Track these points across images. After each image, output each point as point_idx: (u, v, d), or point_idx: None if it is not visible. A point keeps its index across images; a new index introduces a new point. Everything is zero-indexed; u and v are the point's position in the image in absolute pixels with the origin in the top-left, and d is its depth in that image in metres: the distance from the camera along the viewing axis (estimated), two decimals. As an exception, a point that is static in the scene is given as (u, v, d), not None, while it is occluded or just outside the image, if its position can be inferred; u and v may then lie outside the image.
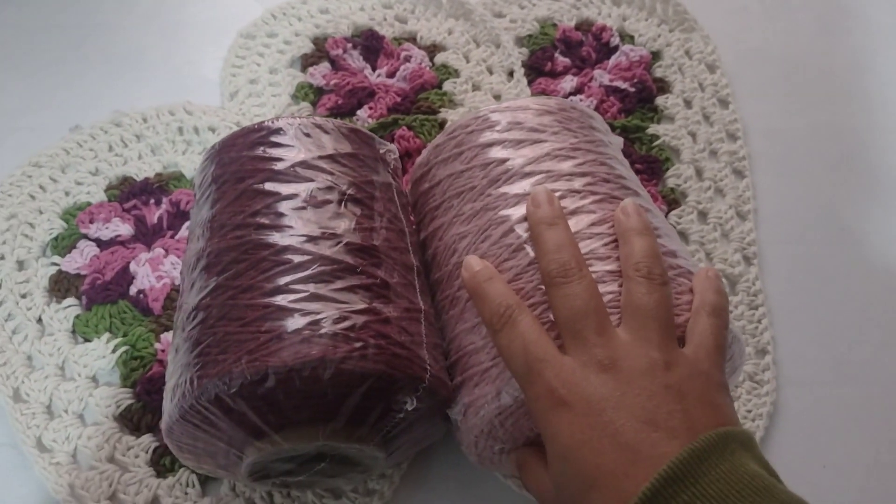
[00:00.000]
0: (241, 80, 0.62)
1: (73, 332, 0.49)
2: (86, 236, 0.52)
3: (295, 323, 0.35)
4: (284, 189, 0.39)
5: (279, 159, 0.40)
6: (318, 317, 0.35)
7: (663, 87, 0.65)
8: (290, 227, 0.38)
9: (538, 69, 0.65)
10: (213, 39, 0.65)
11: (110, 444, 0.45)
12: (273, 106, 0.61)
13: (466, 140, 0.43)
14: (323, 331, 0.35)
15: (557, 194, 0.39)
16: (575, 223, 0.38)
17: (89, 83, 0.62)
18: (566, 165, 0.41)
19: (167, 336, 0.48)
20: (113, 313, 0.49)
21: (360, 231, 0.39)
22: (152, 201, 0.54)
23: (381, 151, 0.45)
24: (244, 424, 0.35)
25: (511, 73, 0.64)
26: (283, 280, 0.36)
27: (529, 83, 0.64)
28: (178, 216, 0.54)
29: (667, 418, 0.30)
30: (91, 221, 0.53)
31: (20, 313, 0.49)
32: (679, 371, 0.32)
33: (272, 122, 0.42)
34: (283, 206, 0.39)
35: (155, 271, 0.51)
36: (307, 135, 0.42)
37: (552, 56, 0.66)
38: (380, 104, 0.61)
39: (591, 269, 0.36)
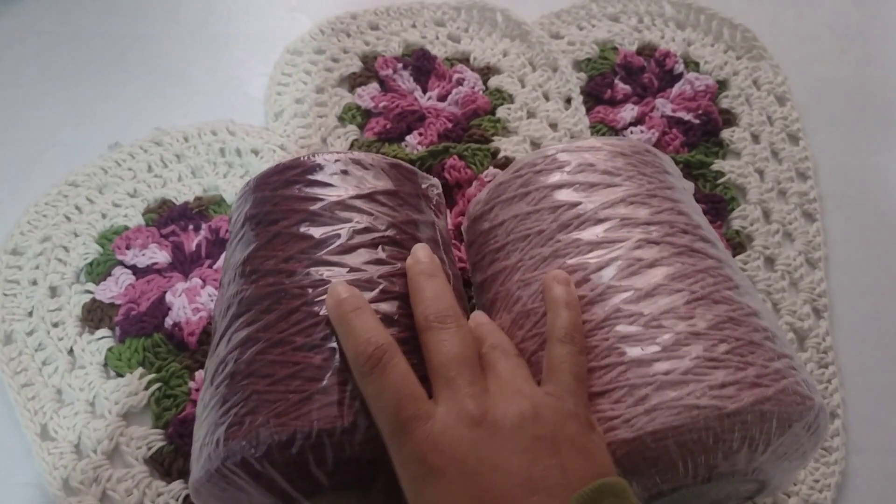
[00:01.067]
0: (287, 99, 0.60)
1: (105, 365, 0.47)
2: (122, 263, 0.50)
3: (326, 383, 0.32)
4: (319, 232, 0.36)
5: (316, 199, 0.38)
6: (351, 376, 0.32)
7: (729, 119, 0.61)
8: (325, 274, 0.35)
9: (597, 96, 0.62)
10: (259, 55, 0.63)
11: (140, 489, 0.42)
12: (319, 127, 0.58)
13: (533, 180, 0.40)
14: (356, 392, 0.32)
15: (631, 244, 0.36)
16: (652, 276, 0.35)
17: (131, 96, 0.60)
18: (643, 213, 0.38)
19: (202, 374, 0.46)
20: (147, 347, 0.47)
21: (399, 276, 0.36)
22: (191, 227, 0.52)
23: (424, 187, 0.42)
24: (273, 490, 0.32)
25: (569, 101, 0.61)
26: (315, 334, 0.33)
27: (588, 111, 0.61)
28: (217, 244, 0.51)
29: (543, 476, 0.29)
30: (128, 247, 0.50)
31: (51, 343, 0.47)
32: (547, 418, 0.30)
33: (309, 158, 0.39)
34: (318, 252, 0.36)
35: (192, 303, 0.48)
36: (345, 172, 0.39)
37: (612, 82, 0.63)
38: (430, 130, 0.58)
39: (672, 328, 0.33)
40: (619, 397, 0.32)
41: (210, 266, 0.50)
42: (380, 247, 0.37)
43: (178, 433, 0.44)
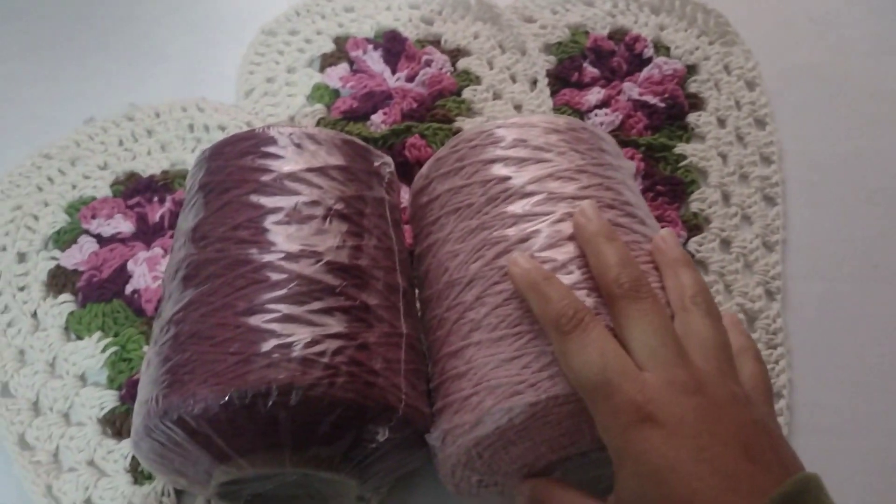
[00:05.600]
0: (258, 77, 0.61)
1: (67, 328, 0.49)
2: (87, 231, 0.52)
3: (265, 345, 0.33)
4: (269, 202, 0.38)
5: (267, 170, 0.39)
6: (289, 340, 0.33)
7: (696, 103, 0.62)
8: (272, 242, 0.36)
9: (564, 79, 0.63)
10: (234, 35, 0.64)
11: (91, 446, 0.44)
12: (287, 106, 0.59)
13: (469, 154, 0.41)
14: (293, 355, 0.33)
15: (555, 217, 0.37)
16: (571, 249, 0.36)
17: (108, 74, 0.62)
18: (570, 188, 0.38)
19: (158, 339, 0.48)
20: (106, 312, 0.49)
21: (345, 249, 0.37)
22: (156, 199, 0.53)
23: (376, 164, 0.43)
24: (208, 447, 0.34)
25: (534, 83, 0.62)
26: (257, 299, 0.35)
27: (553, 94, 0.61)
28: (181, 216, 0.53)
29: (760, 452, 0.29)
30: (93, 217, 0.52)
31: (16, 306, 0.49)
32: (758, 409, 0.31)
33: (263, 131, 0.40)
34: (267, 221, 0.37)
35: (151, 271, 0.50)
36: (298, 145, 0.40)
37: (581, 66, 0.63)
38: (395, 110, 0.59)
39: (582, 298, 0.34)
40: (526, 363, 0.33)
41: (171, 237, 0.52)
42: (327, 220, 0.38)
43: (131, 395, 0.46)
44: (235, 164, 0.40)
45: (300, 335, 0.34)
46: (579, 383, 0.31)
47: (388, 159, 0.44)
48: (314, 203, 0.38)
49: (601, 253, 0.34)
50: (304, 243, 0.36)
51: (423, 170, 0.43)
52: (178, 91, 0.60)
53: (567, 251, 0.36)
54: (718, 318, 0.33)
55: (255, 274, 0.35)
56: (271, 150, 0.40)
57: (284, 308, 0.34)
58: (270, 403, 0.32)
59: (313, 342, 0.34)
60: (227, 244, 0.37)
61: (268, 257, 0.36)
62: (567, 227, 0.37)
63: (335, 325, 0.35)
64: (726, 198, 0.57)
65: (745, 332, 0.36)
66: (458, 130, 0.58)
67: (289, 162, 0.39)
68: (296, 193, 0.38)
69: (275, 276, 0.35)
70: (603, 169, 0.40)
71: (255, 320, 0.34)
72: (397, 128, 0.57)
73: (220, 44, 0.64)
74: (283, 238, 0.37)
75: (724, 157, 0.59)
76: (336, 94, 0.61)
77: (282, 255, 0.36)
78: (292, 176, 0.39)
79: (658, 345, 0.31)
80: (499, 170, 0.40)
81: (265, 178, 0.39)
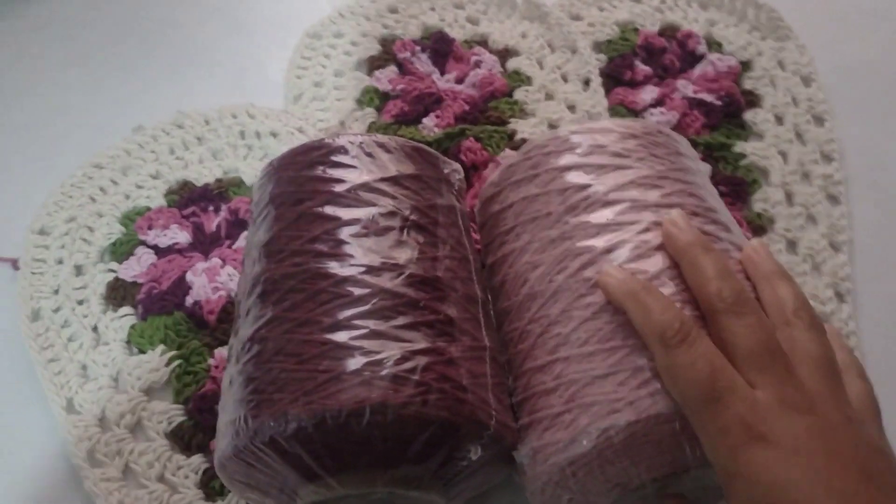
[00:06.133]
0: (306, 82, 0.60)
1: (128, 342, 0.48)
2: (144, 243, 0.51)
3: (355, 363, 0.32)
4: (345, 214, 0.37)
5: (340, 181, 0.38)
6: (379, 356, 0.33)
7: (753, 100, 0.60)
8: (351, 255, 0.36)
9: (616, 78, 0.61)
10: (279, 39, 0.63)
11: (161, 462, 0.44)
12: (337, 111, 0.59)
13: (543, 162, 0.40)
14: (384, 372, 0.32)
15: (641, 227, 0.36)
16: (661, 259, 0.35)
17: (154, 80, 0.61)
18: (653, 195, 0.37)
19: (221, 351, 0.47)
20: (168, 325, 0.48)
21: (423, 261, 0.37)
22: (211, 208, 0.53)
23: (446, 171, 0.42)
24: (299, 467, 0.33)
25: (587, 82, 0.61)
26: (342, 314, 0.34)
27: (606, 93, 0.60)
28: (236, 225, 0.52)
29: (879, 474, 0.28)
30: (150, 227, 0.51)
31: (76, 320, 0.48)
32: (871, 432, 0.30)
33: (333, 140, 0.40)
34: (344, 233, 0.36)
35: (211, 282, 0.49)
36: (369, 154, 0.39)
37: (632, 64, 0.62)
38: (447, 112, 0.58)
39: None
40: (623, 379, 0.32)
41: (229, 246, 0.51)
42: (404, 231, 0.37)
43: (198, 409, 0.45)
44: (307, 174, 0.39)
45: (389, 352, 0.33)
46: (686, 400, 0.30)
47: (457, 166, 0.43)
48: (391, 214, 0.37)
49: (698, 265, 0.33)
50: (384, 256, 0.36)
51: (494, 177, 0.43)
52: (224, 97, 0.60)
53: (656, 262, 0.35)
54: (823, 331, 0.32)
55: (336, 288, 0.35)
56: (343, 159, 0.39)
57: (371, 324, 0.33)
58: (364, 423, 0.32)
59: (403, 359, 0.33)
60: (305, 258, 0.36)
61: (348, 271, 0.35)
62: (654, 237, 0.36)
63: (421, 340, 0.34)
64: (789, 197, 0.55)
65: (846, 346, 0.35)
66: (513, 133, 0.57)
67: (362, 172, 0.39)
68: (371, 204, 0.37)
69: (357, 291, 0.34)
70: (684, 174, 0.39)
71: (342, 336, 0.33)
72: (451, 131, 0.56)
73: (265, 49, 0.63)
74: (361, 251, 0.36)
75: (784, 155, 0.58)
76: (386, 97, 0.60)
77: (363, 268, 0.35)
78: (366, 186, 0.38)
79: (767, 362, 0.30)
80: (576, 177, 0.39)
81: (338, 188, 0.38)
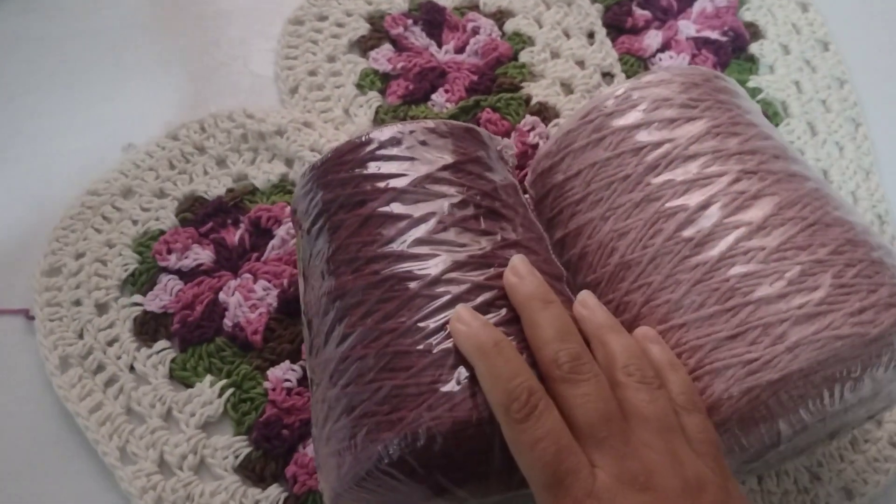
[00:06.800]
0: (299, 72, 0.56)
1: (171, 377, 0.44)
2: (165, 269, 0.47)
3: (468, 369, 0.30)
4: (415, 210, 0.34)
5: (400, 175, 0.35)
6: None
7: (756, 32, 0.59)
8: (433, 254, 0.33)
9: (618, 27, 0.59)
10: (258, 30, 0.59)
11: (236, 499, 0.41)
12: (339, 98, 0.55)
13: (606, 124, 0.38)
14: None
15: (731, 177, 0.34)
16: (760, 208, 0.33)
17: (132, 93, 0.56)
18: (732, 143, 0.36)
19: (274, 372, 0.44)
20: (211, 352, 0.45)
21: (506, 248, 0.34)
22: (229, 221, 0.49)
23: (499, 148, 0.40)
24: (427, 483, 0.31)
25: (591, 35, 0.58)
26: (442, 317, 0.31)
27: (611, 43, 0.58)
28: (260, 235, 0.48)
29: None
30: (169, 252, 0.47)
31: (110, 363, 0.44)
32: (710, 491, 0.29)
33: (381, 132, 0.36)
34: (420, 231, 0.33)
35: (247, 300, 0.46)
36: (423, 143, 0.36)
37: (630, 10, 0.60)
38: (456, 86, 0.55)
39: (794, 259, 0.31)
40: (754, 338, 0.31)
41: (258, 259, 0.48)
42: (480, 218, 0.34)
43: (264, 436, 0.42)
44: (361, 173, 0.36)
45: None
46: (530, 479, 0.29)
47: (508, 141, 0.41)
48: (463, 203, 0.35)
49: (536, 324, 0.31)
50: (468, 250, 0.33)
51: (549, 146, 0.40)
52: (212, 100, 0.55)
53: (756, 212, 0.33)
54: (655, 384, 0.31)
55: (429, 291, 0.32)
56: (397, 152, 0.36)
57: (476, 323, 0.31)
58: (490, 431, 0.30)
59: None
60: (383, 263, 0.33)
61: (436, 270, 0.32)
62: (747, 186, 0.34)
63: (520, 334, 0.32)
64: (812, 127, 0.55)
65: (660, 341, 0.33)
66: (529, 98, 0.54)
67: (421, 163, 0.36)
68: (440, 196, 0.35)
69: (454, 290, 0.32)
70: (751, 117, 0.38)
71: (450, 342, 0.31)
72: (465, 104, 0.54)
73: (245, 42, 0.59)
74: (444, 247, 0.33)
75: (797, 84, 0.57)
76: (386, 77, 0.56)
77: (450, 265, 0.33)
78: (430, 178, 0.35)
79: (604, 435, 0.29)
80: (648, 135, 0.37)
81: (401, 183, 0.35)
